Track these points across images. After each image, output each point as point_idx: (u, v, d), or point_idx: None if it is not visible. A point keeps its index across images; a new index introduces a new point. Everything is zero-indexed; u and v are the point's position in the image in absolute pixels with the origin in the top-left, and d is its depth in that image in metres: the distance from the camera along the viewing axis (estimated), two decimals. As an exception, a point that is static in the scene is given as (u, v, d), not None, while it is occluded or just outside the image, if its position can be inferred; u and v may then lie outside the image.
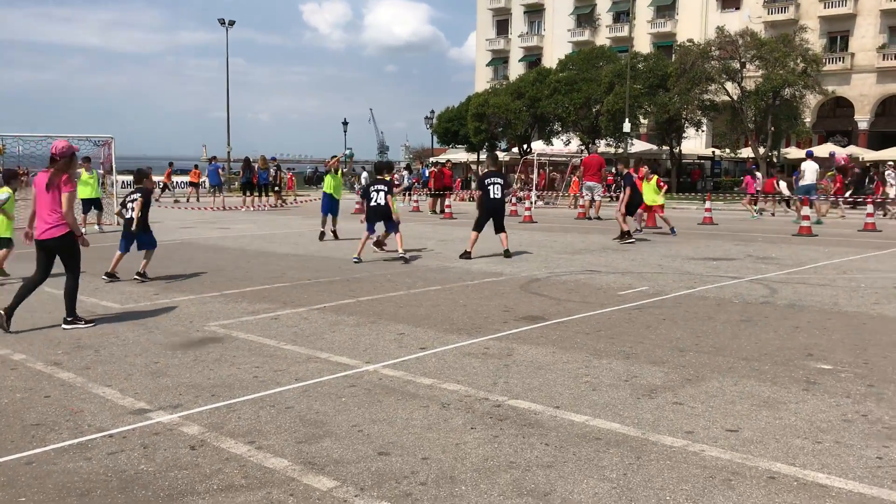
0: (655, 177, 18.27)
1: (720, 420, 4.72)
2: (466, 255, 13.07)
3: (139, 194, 10.63)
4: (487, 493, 3.66)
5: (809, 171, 22.64)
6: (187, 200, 35.84)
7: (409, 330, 7.35)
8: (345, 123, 69.72)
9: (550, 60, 55.99)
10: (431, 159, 50.56)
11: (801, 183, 22.98)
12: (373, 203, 12.76)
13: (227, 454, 4.17)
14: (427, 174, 35.42)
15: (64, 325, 7.44)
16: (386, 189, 12.82)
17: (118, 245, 10.76)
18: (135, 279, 10.43)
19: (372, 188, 12.94)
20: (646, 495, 3.62)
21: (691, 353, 6.44)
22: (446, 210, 26.15)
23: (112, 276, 10.59)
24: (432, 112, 61.00)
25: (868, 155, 42.20)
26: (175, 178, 42.16)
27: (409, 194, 33.58)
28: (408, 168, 42.61)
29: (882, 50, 47.52)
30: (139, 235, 10.57)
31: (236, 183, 36.49)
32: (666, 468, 3.95)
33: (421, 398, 5.17)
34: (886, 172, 29.16)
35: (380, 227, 13.26)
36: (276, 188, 31.53)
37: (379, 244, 13.81)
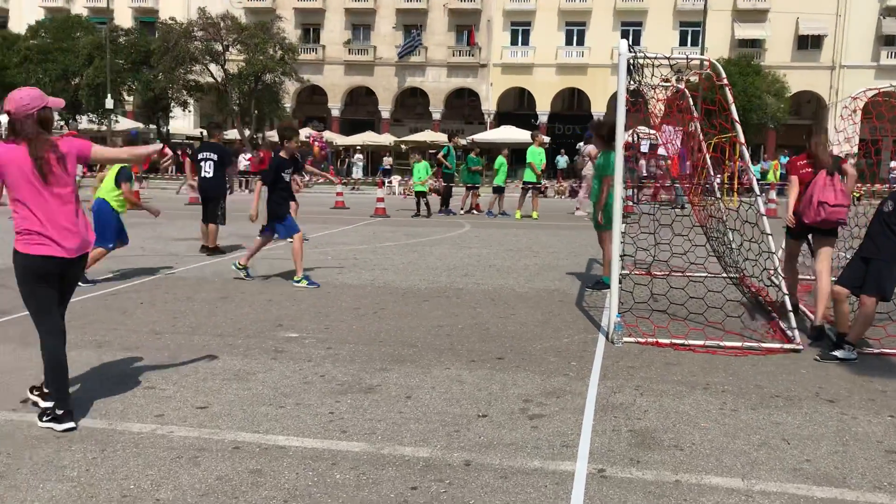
0: None
1: (191, 399, 4.79)
2: None
3: None
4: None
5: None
6: None
7: None
8: None
9: (19, 26, 49.86)
10: None
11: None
12: None
13: None
14: None
15: None
16: None
17: None
18: None
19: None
20: (108, 488, 3.51)
21: (168, 335, 6.40)
22: None
23: None
24: None
25: (340, 140, 46.55)
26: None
27: None
28: None
29: (347, 45, 52.67)
30: None
31: None
32: (132, 456, 3.87)
33: None
34: (356, 157, 32.91)
35: None
36: None
37: None
